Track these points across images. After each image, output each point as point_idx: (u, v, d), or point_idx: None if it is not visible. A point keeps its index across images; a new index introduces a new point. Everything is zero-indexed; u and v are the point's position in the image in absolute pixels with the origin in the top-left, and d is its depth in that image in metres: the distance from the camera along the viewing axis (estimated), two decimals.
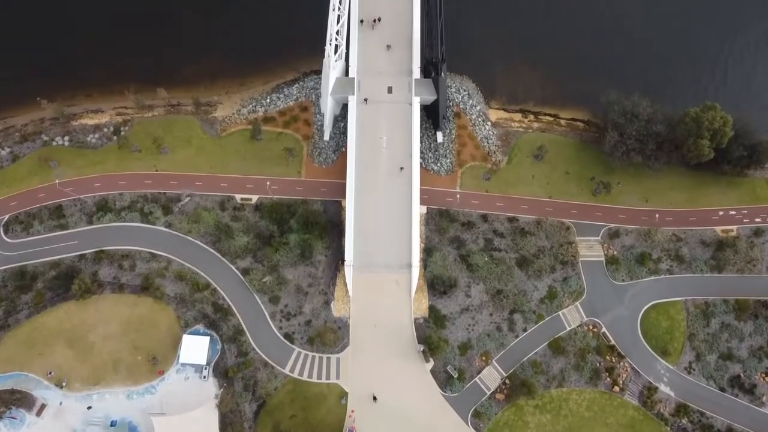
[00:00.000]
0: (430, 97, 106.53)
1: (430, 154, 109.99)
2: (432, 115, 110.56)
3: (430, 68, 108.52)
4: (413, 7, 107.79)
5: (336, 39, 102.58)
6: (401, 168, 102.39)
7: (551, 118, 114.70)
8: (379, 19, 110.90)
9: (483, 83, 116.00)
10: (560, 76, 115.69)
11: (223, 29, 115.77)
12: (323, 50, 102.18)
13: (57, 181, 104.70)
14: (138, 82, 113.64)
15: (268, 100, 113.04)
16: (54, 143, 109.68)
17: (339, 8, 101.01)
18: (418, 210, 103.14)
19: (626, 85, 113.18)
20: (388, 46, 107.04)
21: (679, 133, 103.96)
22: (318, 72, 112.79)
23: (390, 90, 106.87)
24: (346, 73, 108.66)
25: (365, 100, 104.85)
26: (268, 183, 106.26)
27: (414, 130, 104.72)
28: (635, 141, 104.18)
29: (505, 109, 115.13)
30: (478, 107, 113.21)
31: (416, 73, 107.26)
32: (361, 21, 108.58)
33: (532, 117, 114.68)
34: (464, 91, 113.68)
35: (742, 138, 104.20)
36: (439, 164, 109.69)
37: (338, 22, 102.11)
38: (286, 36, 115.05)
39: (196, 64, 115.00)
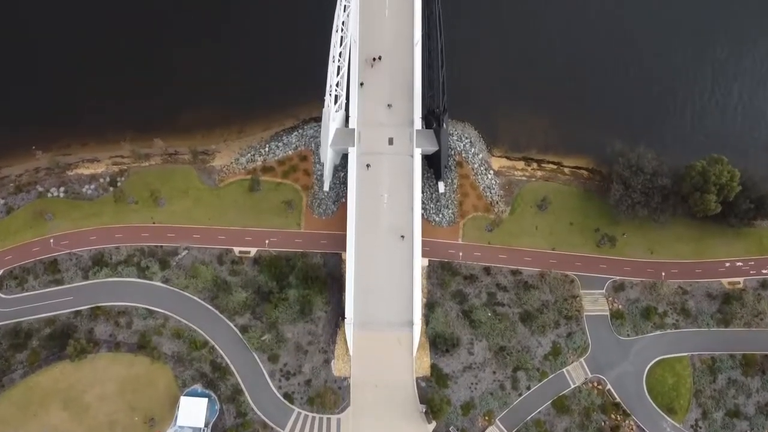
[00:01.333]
0: (432, 149, 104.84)
1: (431, 205, 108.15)
2: (434, 165, 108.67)
3: (431, 119, 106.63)
4: (414, 59, 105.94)
5: (336, 90, 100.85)
6: (402, 236, 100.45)
7: (555, 166, 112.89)
8: (380, 58, 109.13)
9: (485, 130, 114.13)
10: (564, 122, 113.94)
11: (221, 75, 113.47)
12: (323, 96, 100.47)
13: (51, 240, 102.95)
14: (134, 130, 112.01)
15: (266, 149, 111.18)
16: (49, 194, 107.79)
17: (339, 59, 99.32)
18: (419, 264, 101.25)
19: (631, 132, 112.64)
20: (389, 105, 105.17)
21: (686, 187, 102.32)
22: (317, 119, 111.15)
23: (391, 141, 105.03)
24: (346, 123, 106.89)
25: (367, 166, 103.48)
26: (267, 242, 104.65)
27: (415, 183, 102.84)
28: (640, 194, 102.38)
29: (507, 157, 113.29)
30: (480, 155, 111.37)
31: (418, 124, 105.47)
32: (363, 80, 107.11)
33: (535, 165, 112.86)
34: (466, 138, 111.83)
35: (749, 191, 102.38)
36: (440, 215, 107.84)
37: (338, 73, 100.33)
38: (285, 82, 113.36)
39: (194, 111, 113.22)
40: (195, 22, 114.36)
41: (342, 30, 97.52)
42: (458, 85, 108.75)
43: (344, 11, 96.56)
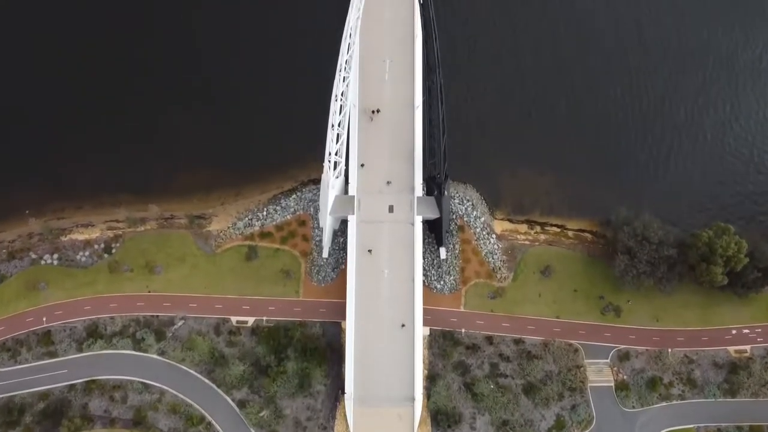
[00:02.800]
0: (433, 216, 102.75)
1: (433, 271, 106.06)
2: (435, 230, 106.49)
3: (432, 185, 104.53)
4: (415, 126, 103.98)
5: (335, 157, 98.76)
6: (403, 325, 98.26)
7: (558, 230, 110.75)
8: (378, 111, 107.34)
9: (487, 192, 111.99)
10: (567, 183, 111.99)
11: (218, 136, 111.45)
12: (321, 157, 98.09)
13: (45, 318, 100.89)
14: (130, 193, 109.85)
15: (264, 213, 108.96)
16: (42, 262, 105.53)
17: (338, 127, 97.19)
18: (421, 335, 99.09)
19: (635, 193, 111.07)
20: (389, 182, 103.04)
21: (692, 257, 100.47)
22: (316, 181, 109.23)
23: (391, 209, 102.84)
24: (346, 189, 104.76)
25: (369, 251, 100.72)
26: (264, 318, 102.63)
27: (416, 253, 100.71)
28: (646, 264, 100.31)
29: (510, 220, 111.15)
30: (482, 218, 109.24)
31: (418, 191, 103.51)
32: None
33: (538, 228, 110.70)
34: (468, 201, 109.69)
35: (757, 260, 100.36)
36: (442, 282, 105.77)
37: (337, 140, 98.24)
38: (283, 143, 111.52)
39: (191, 173, 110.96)
40: (192, 83, 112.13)
41: (341, 98, 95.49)
42: (459, 145, 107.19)
43: (343, 81, 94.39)
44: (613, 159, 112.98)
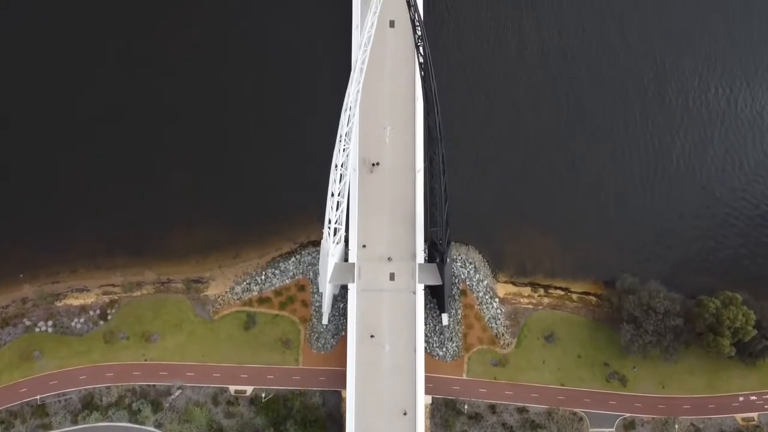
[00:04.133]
0: (435, 283, 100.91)
1: (435, 338, 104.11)
2: (437, 295, 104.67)
3: (434, 252, 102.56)
4: (416, 192, 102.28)
5: (335, 224, 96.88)
6: (404, 413, 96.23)
7: (562, 292, 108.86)
8: (378, 163, 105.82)
9: (490, 253, 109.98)
10: (571, 245, 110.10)
11: (215, 196, 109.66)
12: (320, 218, 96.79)
13: (38, 397, 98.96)
14: (125, 256, 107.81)
15: (263, 277, 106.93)
16: (37, 329, 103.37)
17: (338, 195, 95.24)
18: (423, 405, 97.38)
19: (641, 254, 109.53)
20: (389, 259, 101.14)
21: (699, 326, 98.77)
22: (315, 243, 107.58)
23: (392, 277, 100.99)
24: (346, 256, 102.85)
25: (371, 336, 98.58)
26: (263, 394, 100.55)
27: (418, 322, 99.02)
28: (652, 334, 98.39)
29: (513, 283, 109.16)
30: (485, 282, 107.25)
31: (420, 257, 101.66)
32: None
33: (541, 291, 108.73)
34: (470, 264, 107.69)
35: (765, 330, 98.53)
36: (444, 349, 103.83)
37: (337, 208, 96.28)
38: (282, 204, 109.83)
39: (188, 234, 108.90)
40: (190, 143, 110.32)
41: (341, 168, 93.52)
42: (461, 205, 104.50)
43: (343, 151, 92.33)
44: (617, 219, 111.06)
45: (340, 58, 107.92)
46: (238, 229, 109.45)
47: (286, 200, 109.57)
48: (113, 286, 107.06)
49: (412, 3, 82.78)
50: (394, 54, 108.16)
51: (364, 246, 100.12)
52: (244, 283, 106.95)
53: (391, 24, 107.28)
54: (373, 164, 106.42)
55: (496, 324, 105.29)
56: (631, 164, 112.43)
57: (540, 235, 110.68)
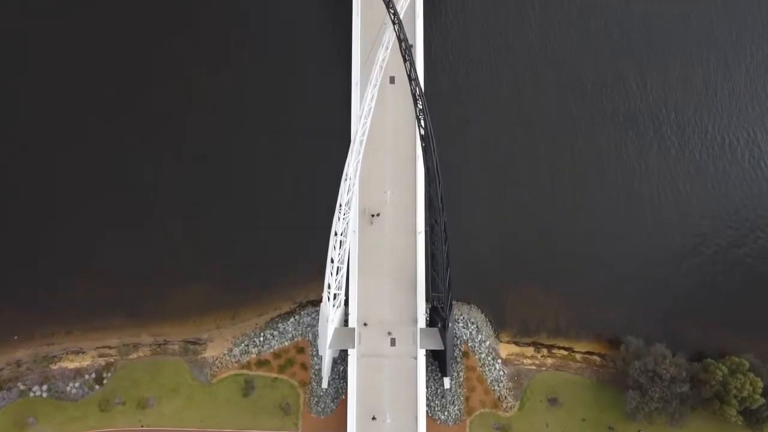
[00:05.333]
0: (437, 348, 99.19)
1: (436, 402, 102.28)
2: (438, 358, 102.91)
3: (435, 317, 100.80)
4: (417, 254, 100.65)
5: (335, 289, 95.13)
6: None
7: (565, 352, 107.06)
8: (378, 215, 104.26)
9: (492, 312, 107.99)
10: (574, 303, 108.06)
11: (213, 254, 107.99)
12: (319, 275, 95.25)
13: None
14: (122, 315, 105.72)
15: (261, 338, 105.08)
16: (31, 394, 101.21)
17: (338, 261, 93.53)
18: None
19: (645, 310, 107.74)
20: (389, 334, 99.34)
21: (705, 393, 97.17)
22: (315, 303, 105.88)
23: (393, 342, 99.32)
24: (346, 321, 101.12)
25: (373, 418, 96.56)
26: None
27: (420, 388, 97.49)
28: (658, 401, 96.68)
29: (516, 343, 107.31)
30: (487, 342, 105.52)
31: (421, 322, 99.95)
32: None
33: (545, 351, 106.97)
34: (472, 324, 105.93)
35: None
36: (446, 413, 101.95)
37: (337, 272, 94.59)
38: (280, 261, 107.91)
39: (185, 293, 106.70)
40: (187, 200, 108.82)
41: (340, 235, 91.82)
42: (463, 263, 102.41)
43: (342, 218, 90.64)
44: (622, 276, 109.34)
45: (341, 117, 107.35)
46: (236, 288, 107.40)
47: (285, 258, 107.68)
48: (109, 348, 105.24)
49: (413, 77, 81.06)
50: (394, 109, 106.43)
51: (365, 324, 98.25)
52: (243, 344, 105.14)
53: (392, 80, 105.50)
54: (373, 215, 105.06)
55: (498, 386, 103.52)
56: (637, 221, 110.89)
57: (543, 292, 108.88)
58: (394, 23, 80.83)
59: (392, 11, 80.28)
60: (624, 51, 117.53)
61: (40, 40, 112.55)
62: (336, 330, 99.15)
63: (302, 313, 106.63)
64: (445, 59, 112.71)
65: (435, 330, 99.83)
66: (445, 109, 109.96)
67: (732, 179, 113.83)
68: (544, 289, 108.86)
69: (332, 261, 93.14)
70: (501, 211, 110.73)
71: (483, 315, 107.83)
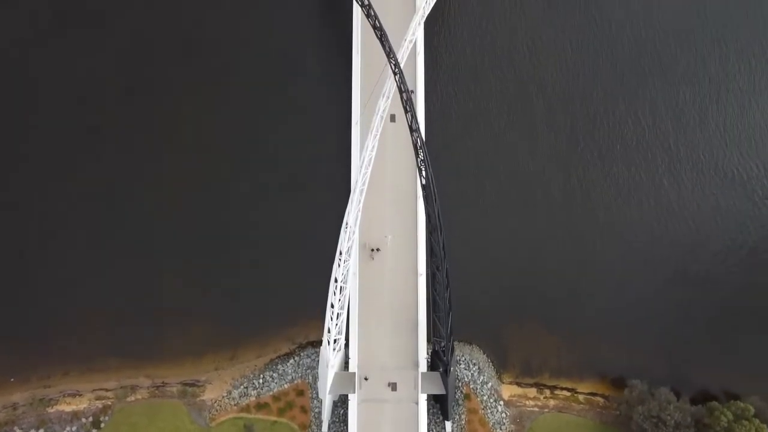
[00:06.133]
0: (438, 392, 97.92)
1: None
2: (440, 401, 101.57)
3: (437, 360, 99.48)
4: (418, 298, 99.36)
5: (335, 334, 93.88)
6: None
7: (568, 393, 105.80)
8: (378, 249, 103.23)
9: (494, 353, 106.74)
10: (577, 342, 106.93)
11: (212, 294, 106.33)
12: (320, 317, 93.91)
13: None
14: (119, 356, 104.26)
15: (261, 380, 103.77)
16: None
17: (338, 306, 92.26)
18: None
19: (649, 352, 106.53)
20: (390, 384, 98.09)
21: None
22: (314, 344, 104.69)
23: (394, 387, 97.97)
24: (347, 363, 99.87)
25: None
26: None
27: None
28: None
29: (518, 383, 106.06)
30: (489, 384, 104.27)
31: (422, 366, 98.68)
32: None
33: (547, 392, 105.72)
34: (474, 365, 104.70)
35: None
36: None
37: (337, 318, 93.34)
38: (280, 301, 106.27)
39: (183, 334, 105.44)
40: (184, 240, 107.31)
41: (341, 281, 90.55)
42: (464, 302, 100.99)
43: (343, 264, 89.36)
44: (624, 315, 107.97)
45: (342, 149, 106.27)
46: (235, 328, 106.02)
47: (284, 299, 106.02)
48: (106, 390, 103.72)
49: (414, 128, 79.75)
50: (394, 147, 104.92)
51: (366, 378, 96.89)
52: (242, 387, 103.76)
53: (392, 118, 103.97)
54: (373, 250, 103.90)
55: (501, 429, 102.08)
56: (639, 259, 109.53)
57: (545, 331, 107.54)
58: (395, 73, 79.45)
59: (393, 62, 78.93)
60: (630, 90, 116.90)
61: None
62: (336, 375, 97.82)
63: (302, 354, 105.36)
64: (445, 101, 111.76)
65: (436, 374, 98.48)
66: (446, 148, 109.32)
67: (741, 214, 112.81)
68: (546, 327, 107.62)
69: (332, 306, 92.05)
70: (501, 249, 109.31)
71: (485, 356, 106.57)
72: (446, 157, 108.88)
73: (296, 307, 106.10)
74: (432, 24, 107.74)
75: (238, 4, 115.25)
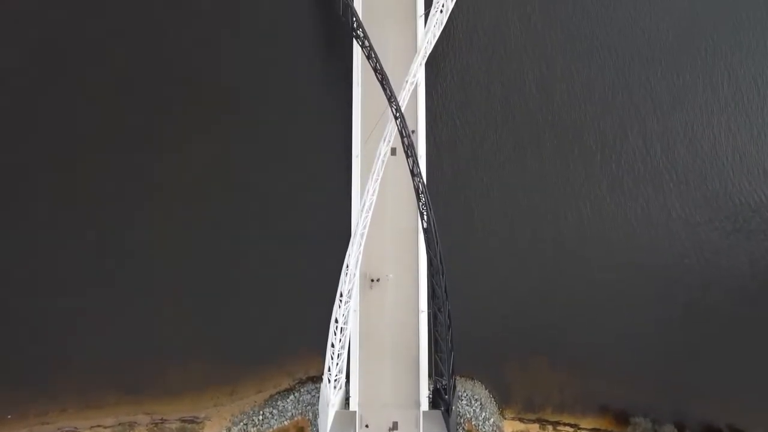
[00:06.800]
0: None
1: None
2: None
3: (438, 399, 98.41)
4: (419, 336, 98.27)
5: (335, 374, 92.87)
6: None
7: (571, 429, 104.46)
8: (378, 280, 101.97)
9: (496, 388, 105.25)
10: (580, 376, 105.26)
11: (211, 329, 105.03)
12: (320, 351, 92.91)
13: None
14: (117, 393, 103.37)
15: (260, 417, 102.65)
16: None
17: (339, 345, 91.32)
18: None
19: (654, 385, 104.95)
20: (393, 423, 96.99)
21: None
22: (315, 380, 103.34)
23: (395, 426, 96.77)
24: (347, 402, 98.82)
25: None
26: None
27: None
28: None
29: (521, 419, 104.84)
30: (491, 420, 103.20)
31: (424, 404, 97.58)
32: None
33: (550, 428, 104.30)
34: (476, 401, 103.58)
35: None
36: None
37: (338, 357, 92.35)
38: (280, 335, 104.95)
39: (183, 370, 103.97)
40: (182, 273, 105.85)
41: (341, 321, 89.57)
42: (465, 337, 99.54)
43: (343, 305, 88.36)
44: (628, 347, 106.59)
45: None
46: (234, 364, 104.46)
47: (284, 334, 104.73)
48: (104, 427, 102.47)
49: (416, 172, 78.68)
50: (395, 180, 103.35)
51: (366, 426, 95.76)
52: (241, 423, 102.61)
53: (393, 152, 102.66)
54: (372, 280, 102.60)
55: None
56: (644, 293, 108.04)
57: (548, 365, 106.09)
58: (396, 117, 78.31)
59: (394, 106, 77.79)
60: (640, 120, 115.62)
61: None
62: (337, 413, 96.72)
63: (302, 390, 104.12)
64: (448, 137, 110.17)
65: (438, 413, 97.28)
66: (448, 183, 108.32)
67: (755, 250, 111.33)
68: (549, 362, 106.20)
69: (332, 346, 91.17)
70: (505, 283, 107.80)
71: (487, 391, 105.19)
72: (448, 192, 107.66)
73: (296, 342, 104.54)
74: (433, 60, 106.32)
75: (233, 38, 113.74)
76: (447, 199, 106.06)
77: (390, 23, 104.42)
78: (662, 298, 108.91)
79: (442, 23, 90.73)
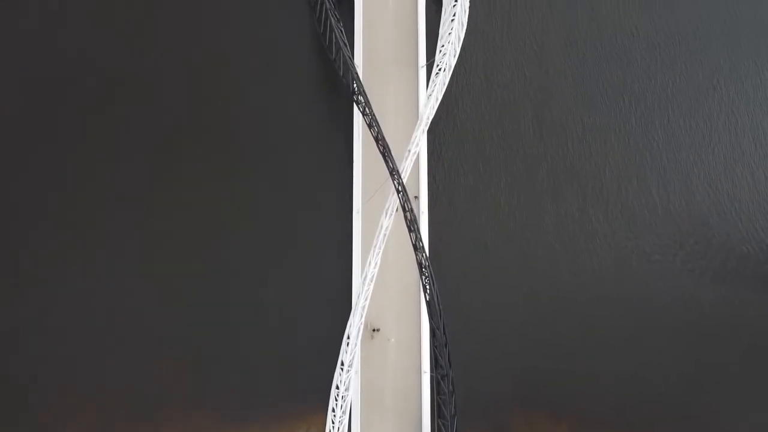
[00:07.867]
0: None
1: None
2: None
3: None
4: (422, 398, 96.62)
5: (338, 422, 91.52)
6: None
7: None
8: (378, 330, 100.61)
9: None
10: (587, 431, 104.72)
11: (210, 385, 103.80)
12: (321, 409, 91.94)
13: None
14: None
15: None
16: None
17: (340, 411, 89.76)
18: None
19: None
20: None
21: None
22: None
23: None
24: None
25: None
26: None
27: None
28: None
29: None
30: None
31: None
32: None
33: None
34: None
35: None
36: None
37: (340, 423, 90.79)
38: (280, 393, 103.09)
39: (183, 423, 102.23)
40: (183, 323, 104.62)
41: (342, 388, 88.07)
42: (469, 393, 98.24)
43: (345, 373, 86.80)
44: (634, 399, 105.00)
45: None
46: (235, 421, 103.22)
47: (286, 389, 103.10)
48: None
49: (418, 246, 76.98)
50: (397, 231, 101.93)
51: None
52: None
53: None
54: (374, 330, 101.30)
55: None
56: (651, 345, 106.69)
57: (552, 422, 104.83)
58: (398, 191, 76.53)
59: (396, 181, 76.02)
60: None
61: None
62: None
63: None
64: (450, 188, 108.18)
65: None
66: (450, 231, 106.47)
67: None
68: (554, 418, 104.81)
69: (333, 411, 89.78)
70: (509, 337, 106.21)
71: None
72: (451, 242, 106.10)
73: (297, 397, 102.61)
74: (435, 123, 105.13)
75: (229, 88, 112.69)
76: (449, 254, 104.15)
77: (392, 72, 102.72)
78: (669, 348, 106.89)
79: (444, 84, 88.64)
